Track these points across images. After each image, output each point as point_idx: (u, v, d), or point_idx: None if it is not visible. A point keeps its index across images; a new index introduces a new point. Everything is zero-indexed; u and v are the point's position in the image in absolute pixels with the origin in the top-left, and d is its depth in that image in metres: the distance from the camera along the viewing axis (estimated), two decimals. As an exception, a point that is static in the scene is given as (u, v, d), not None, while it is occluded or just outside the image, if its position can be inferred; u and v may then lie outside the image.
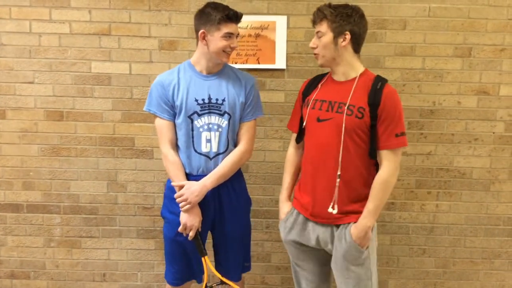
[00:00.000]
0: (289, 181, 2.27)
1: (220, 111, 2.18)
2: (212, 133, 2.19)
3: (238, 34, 2.19)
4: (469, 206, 2.99)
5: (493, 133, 2.90)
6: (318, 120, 2.05)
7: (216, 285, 2.30)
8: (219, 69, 2.23)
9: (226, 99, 2.18)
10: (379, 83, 1.99)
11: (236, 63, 2.82)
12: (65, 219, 3.04)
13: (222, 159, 2.22)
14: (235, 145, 2.27)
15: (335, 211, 2.02)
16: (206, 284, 2.26)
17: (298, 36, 2.83)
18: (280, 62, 2.84)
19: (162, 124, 2.21)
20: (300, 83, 2.83)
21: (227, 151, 2.23)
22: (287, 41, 2.82)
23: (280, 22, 2.80)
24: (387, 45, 2.82)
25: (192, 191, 2.14)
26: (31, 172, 2.99)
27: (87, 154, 2.97)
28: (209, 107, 2.17)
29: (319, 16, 2.01)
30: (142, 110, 2.86)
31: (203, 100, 2.16)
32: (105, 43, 2.86)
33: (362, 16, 2.01)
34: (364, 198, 2.04)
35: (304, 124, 2.12)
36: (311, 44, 2.07)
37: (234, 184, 2.30)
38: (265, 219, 3.03)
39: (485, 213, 2.99)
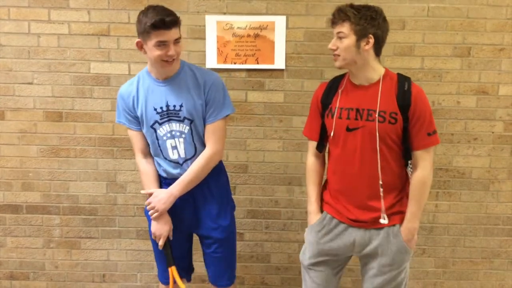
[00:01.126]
0: (317, 192, 2.17)
1: (179, 117, 2.10)
2: (176, 139, 2.13)
3: (178, 38, 2.01)
4: (468, 205, 2.99)
5: (492, 132, 2.90)
6: (348, 129, 1.98)
7: None
8: (175, 72, 2.11)
9: (183, 105, 2.08)
10: (405, 83, 1.95)
11: (235, 63, 2.82)
12: (65, 220, 3.04)
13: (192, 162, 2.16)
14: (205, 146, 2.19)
15: (386, 221, 1.99)
16: None
17: (297, 36, 2.83)
18: (279, 62, 2.84)
19: (132, 135, 2.21)
20: (299, 83, 2.85)
21: (196, 155, 2.16)
22: (286, 41, 2.82)
23: (279, 22, 2.80)
24: (386, 45, 2.74)
25: (159, 199, 2.11)
26: (30, 173, 2.99)
27: (86, 155, 2.97)
28: (168, 114, 2.10)
29: (340, 17, 1.91)
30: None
31: (161, 108, 2.09)
32: (104, 44, 2.86)
33: (384, 19, 1.95)
34: (402, 198, 2.04)
35: (331, 134, 2.04)
36: (331, 46, 1.97)
37: (211, 184, 2.22)
38: (264, 220, 3.02)
39: (485, 213, 2.99)
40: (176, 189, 2.12)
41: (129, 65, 2.87)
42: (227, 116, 2.18)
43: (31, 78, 2.89)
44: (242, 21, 2.79)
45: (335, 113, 2.02)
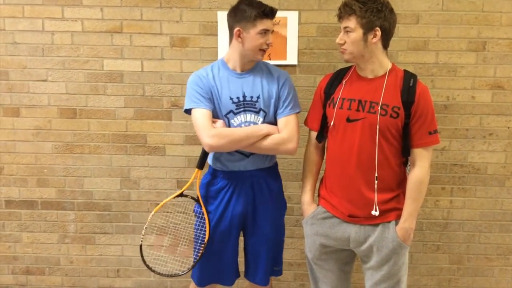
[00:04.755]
0: (312, 182, 2.21)
1: (256, 108, 2.14)
2: None
3: (273, 30, 2.12)
4: (483, 202, 2.96)
5: (508, 128, 2.87)
6: (348, 120, 1.98)
7: (191, 198, 2.27)
8: (252, 66, 2.18)
9: (260, 96, 2.14)
10: (410, 80, 1.95)
11: (247, 59, 2.82)
12: (79, 215, 3.07)
13: (260, 157, 2.19)
14: None
15: (377, 213, 1.99)
16: (182, 192, 2.26)
17: (309, 31, 2.82)
18: (291, 58, 2.83)
19: (204, 113, 2.08)
20: (312, 79, 2.83)
21: None
22: (298, 36, 2.81)
23: (291, 17, 2.79)
24: (400, 40, 2.79)
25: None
26: (45, 169, 3.02)
27: (100, 151, 2.99)
28: (244, 105, 2.13)
29: (346, 11, 1.92)
30: (154, 107, 2.89)
31: (238, 98, 2.12)
32: (117, 41, 2.87)
33: (391, 10, 1.94)
34: (398, 195, 2.03)
35: (331, 124, 2.05)
36: (338, 40, 1.98)
37: (270, 182, 2.26)
38: (277, 216, 3.02)
39: (500, 209, 2.96)
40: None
41: (142, 62, 2.88)
42: (298, 113, 2.21)
43: (45, 75, 2.91)
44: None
45: (337, 103, 2.02)
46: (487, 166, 2.92)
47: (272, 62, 2.80)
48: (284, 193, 2.88)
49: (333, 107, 2.04)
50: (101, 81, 2.91)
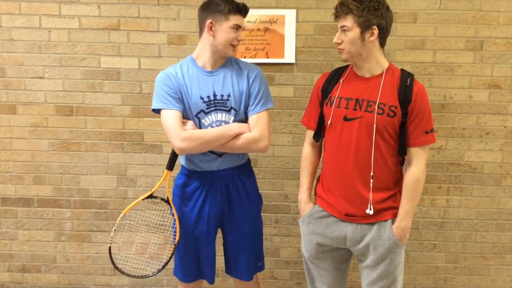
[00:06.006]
0: (309, 181, 2.20)
1: (226, 107, 2.11)
2: None
3: (244, 28, 2.11)
4: (480, 201, 2.96)
5: (505, 127, 2.87)
6: (345, 119, 1.98)
7: (161, 199, 2.27)
8: (222, 63, 2.15)
9: (231, 94, 2.11)
10: (407, 79, 1.95)
11: (245, 58, 2.81)
12: (76, 213, 3.06)
13: (232, 156, 2.18)
14: None
15: (371, 212, 1.99)
16: (151, 194, 2.26)
17: (307, 30, 2.81)
18: (289, 56, 2.83)
19: (175, 115, 2.06)
20: (309, 77, 2.83)
21: None
22: (296, 35, 2.81)
23: (289, 15, 2.79)
24: (398, 39, 2.80)
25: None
26: (41, 166, 3.01)
27: (97, 149, 2.98)
28: (215, 104, 2.10)
29: (343, 10, 1.91)
30: (151, 105, 2.88)
31: (208, 97, 2.09)
32: (114, 38, 2.86)
33: (388, 8, 1.93)
34: (395, 194, 2.03)
35: (328, 123, 2.04)
36: (336, 39, 1.97)
37: (244, 179, 2.25)
38: (274, 214, 3.03)
39: (496, 208, 2.97)
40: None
41: (139, 59, 2.88)
42: (270, 108, 2.19)
43: (42, 72, 2.90)
44: (252, 15, 2.78)
45: (334, 102, 2.02)
46: (483, 165, 2.92)
47: (269, 61, 2.82)
48: (281, 192, 2.89)
49: (331, 106, 2.04)
50: (98, 78, 2.91)
